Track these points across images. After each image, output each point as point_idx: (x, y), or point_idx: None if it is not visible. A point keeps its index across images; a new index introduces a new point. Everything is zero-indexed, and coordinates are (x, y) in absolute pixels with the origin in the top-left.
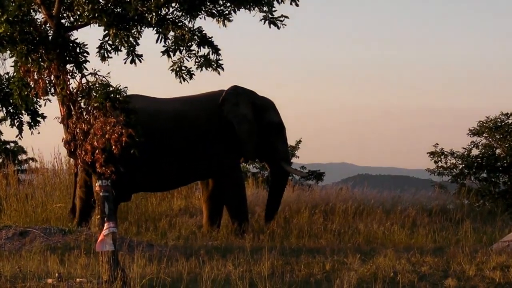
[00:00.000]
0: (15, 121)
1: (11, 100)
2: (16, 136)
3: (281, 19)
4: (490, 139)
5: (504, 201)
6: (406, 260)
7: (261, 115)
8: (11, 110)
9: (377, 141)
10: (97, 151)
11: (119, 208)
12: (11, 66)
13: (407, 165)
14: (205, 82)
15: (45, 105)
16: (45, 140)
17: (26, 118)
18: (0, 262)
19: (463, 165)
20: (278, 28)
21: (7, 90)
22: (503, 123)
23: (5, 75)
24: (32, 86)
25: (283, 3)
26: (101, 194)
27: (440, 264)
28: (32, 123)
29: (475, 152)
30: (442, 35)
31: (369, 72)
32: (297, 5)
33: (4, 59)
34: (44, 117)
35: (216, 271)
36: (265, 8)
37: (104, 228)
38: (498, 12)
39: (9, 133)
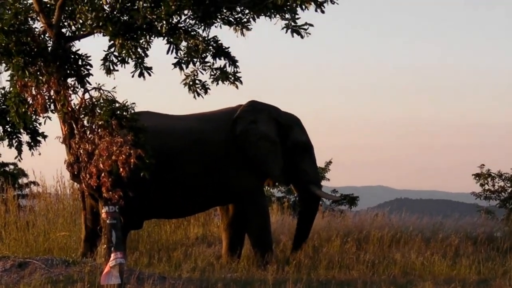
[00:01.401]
0: (14, 141)
1: (8, 118)
2: (15, 158)
3: (305, 27)
4: None
5: None
6: None
7: (286, 134)
8: (9, 129)
9: (418, 161)
10: (103, 174)
11: (129, 237)
12: (7, 81)
13: (451, 188)
14: (221, 97)
15: (44, 123)
16: (47, 161)
17: (25, 137)
18: None
19: None
20: (302, 37)
21: (3, 107)
22: None
23: (0, 90)
24: (30, 102)
25: (307, 9)
26: (108, 221)
27: None
28: (32, 143)
29: None
30: (489, 47)
31: (408, 83)
32: (322, 12)
33: (0, 72)
34: (45, 137)
35: None
36: (287, 16)
37: (111, 259)
38: None
39: (9, 154)
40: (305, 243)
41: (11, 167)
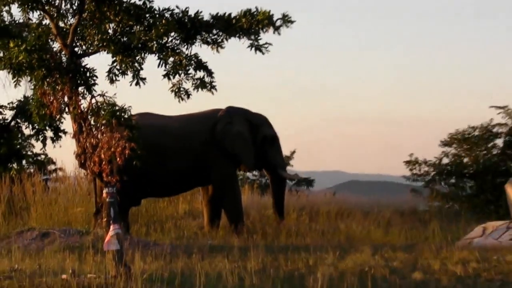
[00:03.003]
0: (40, 137)
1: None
2: (40, 149)
3: (265, 46)
4: (458, 149)
5: (470, 204)
6: (380, 256)
7: (257, 130)
8: (37, 127)
9: (367, 150)
10: (103, 163)
11: (131, 212)
12: (30, 89)
13: (393, 172)
14: (201, 101)
15: (61, 123)
16: (68, 152)
17: (49, 133)
18: (24, 260)
19: (435, 172)
20: (263, 53)
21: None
22: (470, 135)
23: (31, 96)
24: (48, 106)
25: (267, 32)
26: (107, 200)
27: (409, 259)
28: (54, 138)
29: (445, 160)
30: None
31: (354, 84)
32: (279, 33)
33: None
34: (65, 133)
35: (212, 266)
36: (252, 37)
37: (110, 229)
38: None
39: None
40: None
41: (42, 156)
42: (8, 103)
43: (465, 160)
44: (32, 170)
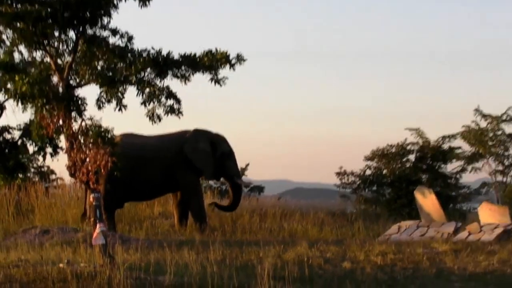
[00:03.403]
0: (41, 152)
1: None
2: (40, 163)
3: (223, 79)
4: (379, 163)
5: (388, 207)
6: (315, 249)
7: (216, 147)
8: (39, 145)
9: (310, 163)
10: (90, 173)
11: (116, 213)
12: (32, 114)
13: (330, 181)
14: (170, 123)
15: (60, 141)
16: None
17: (49, 150)
18: (29, 252)
19: (360, 181)
20: (221, 85)
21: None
22: (388, 152)
23: (34, 120)
24: (45, 127)
25: (224, 68)
26: (93, 203)
27: (339, 252)
28: (53, 153)
29: (368, 172)
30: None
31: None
32: (234, 69)
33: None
34: (62, 149)
35: (181, 257)
36: (212, 72)
37: (97, 227)
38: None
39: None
40: (233, 211)
41: (46, 168)
42: (16, 125)
43: (384, 171)
44: (36, 179)
